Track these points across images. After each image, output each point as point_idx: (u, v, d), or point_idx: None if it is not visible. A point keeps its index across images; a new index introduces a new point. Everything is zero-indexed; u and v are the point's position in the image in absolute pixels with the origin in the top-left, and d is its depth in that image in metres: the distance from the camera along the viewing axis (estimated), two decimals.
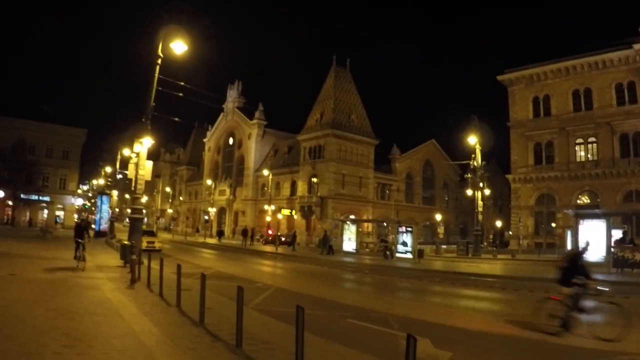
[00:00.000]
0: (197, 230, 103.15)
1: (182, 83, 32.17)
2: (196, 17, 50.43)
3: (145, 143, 23.95)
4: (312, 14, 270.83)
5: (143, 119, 24.01)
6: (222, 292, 15.41)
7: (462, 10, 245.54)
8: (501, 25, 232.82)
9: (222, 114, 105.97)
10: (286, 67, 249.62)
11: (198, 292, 11.39)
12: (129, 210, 38.81)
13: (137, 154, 25.37)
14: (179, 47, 21.72)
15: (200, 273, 12.36)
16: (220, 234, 79.61)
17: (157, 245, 39.64)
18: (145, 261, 18.63)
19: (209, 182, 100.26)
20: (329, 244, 48.15)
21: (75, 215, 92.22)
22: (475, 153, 49.44)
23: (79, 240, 22.40)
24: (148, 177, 25.48)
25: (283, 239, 63.49)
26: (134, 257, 18.57)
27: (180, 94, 32.58)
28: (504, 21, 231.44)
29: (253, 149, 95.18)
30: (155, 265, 16.84)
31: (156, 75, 23.37)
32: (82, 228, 23.78)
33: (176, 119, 48.04)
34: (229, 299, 13.29)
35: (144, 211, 32.19)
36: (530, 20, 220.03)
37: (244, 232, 64.18)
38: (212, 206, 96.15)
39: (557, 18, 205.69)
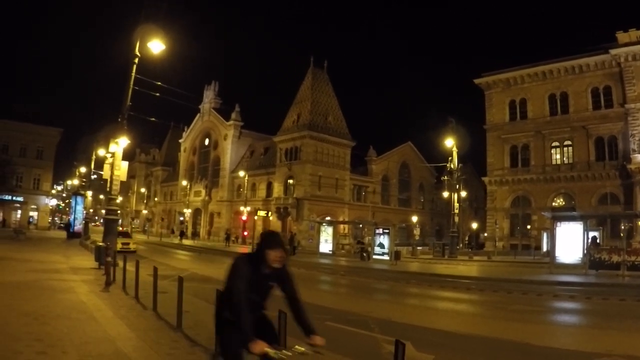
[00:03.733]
0: (173, 232, 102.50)
1: (159, 83, 31.93)
2: (173, 17, 50.09)
3: (121, 143, 23.69)
4: (289, 15, 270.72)
5: (119, 119, 23.73)
6: (199, 295, 15.16)
7: (440, 13, 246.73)
8: (479, 29, 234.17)
9: (198, 114, 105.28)
10: (263, 68, 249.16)
11: (174, 295, 11.11)
12: (103, 211, 38.37)
13: (113, 154, 25.10)
14: (156, 46, 21.48)
15: (177, 275, 12.16)
16: (182, 234, 79.00)
17: (132, 246, 39.25)
18: (121, 263, 18.32)
19: (184, 183, 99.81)
20: (293, 245, 48.28)
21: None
22: (451, 155, 49.69)
23: None
24: (123, 177, 25.23)
25: None
26: (109, 259, 18.23)
27: (157, 94, 32.41)
28: (482, 25, 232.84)
29: (229, 150, 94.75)
30: (130, 267, 16.56)
31: (133, 74, 23.13)
32: None
33: (152, 118, 47.69)
34: (206, 302, 13.11)
35: (119, 212, 31.82)
36: (508, 25, 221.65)
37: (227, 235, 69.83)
38: (187, 207, 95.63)
39: (535, 23, 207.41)
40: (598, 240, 33.73)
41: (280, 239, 5.22)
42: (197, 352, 8.57)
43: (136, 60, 22.93)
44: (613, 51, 57.17)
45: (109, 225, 23.83)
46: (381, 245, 42.69)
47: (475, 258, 48.47)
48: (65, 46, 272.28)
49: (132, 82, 23.33)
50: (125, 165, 25.64)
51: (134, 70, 23.18)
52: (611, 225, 48.27)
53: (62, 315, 11.41)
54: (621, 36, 57.11)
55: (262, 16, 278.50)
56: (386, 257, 41.34)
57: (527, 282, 25.60)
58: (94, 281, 18.59)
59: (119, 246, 30.89)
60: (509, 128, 67.32)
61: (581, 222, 29.86)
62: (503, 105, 68.29)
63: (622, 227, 42.14)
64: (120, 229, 47.86)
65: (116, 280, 17.64)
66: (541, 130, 63.65)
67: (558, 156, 63.46)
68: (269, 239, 5.15)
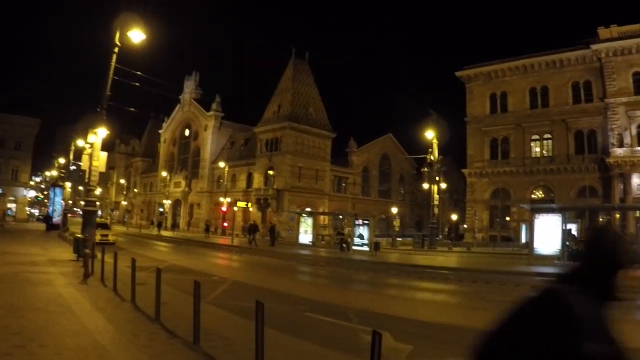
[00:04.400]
0: (152, 223, 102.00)
1: (139, 73, 31.72)
2: (154, 6, 49.78)
3: (100, 133, 23.51)
4: (271, 5, 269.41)
5: (98, 109, 23.52)
6: (178, 286, 15.07)
7: (424, 6, 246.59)
8: (462, 22, 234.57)
9: (178, 105, 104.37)
10: (245, 59, 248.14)
11: (153, 287, 11.03)
12: (82, 203, 38.04)
13: (91, 145, 24.90)
14: (136, 35, 21.32)
15: (156, 267, 12.10)
16: (159, 225, 78.58)
17: (111, 238, 38.91)
18: (99, 255, 18.20)
19: (164, 174, 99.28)
20: (273, 236, 48.39)
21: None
22: (432, 147, 49.83)
23: None
24: (102, 168, 25.06)
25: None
26: (87, 250, 18.09)
27: (137, 84, 32.16)
28: (465, 18, 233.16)
29: (209, 140, 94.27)
30: (109, 259, 16.48)
31: (112, 64, 22.96)
32: None
33: (132, 109, 47.19)
34: (185, 293, 13.02)
35: (98, 203, 31.61)
36: (491, 19, 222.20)
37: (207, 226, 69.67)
38: (167, 198, 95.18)
39: (518, 17, 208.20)
40: (574, 232, 34.16)
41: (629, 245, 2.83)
42: (175, 344, 8.56)
43: (116, 50, 22.75)
44: (594, 46, 57.76)
45: (88, 217, 23.69)
46: (361, 236, 42.82)
47: (455, 249, 48.86)
48: (47, 34, 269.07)
49: (111, 72, 23.15)
50: (104, 156, 25.45)
51: (113, 60, 22.99)
52: (590, 218, 48.76)
53: (40, 309, 11.31)
54: (602, 32, 57.77)
55: (244, 6, 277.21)
56: (366, 248, 41.45)
57: (506, 273, 25.76)
58: (72, 273, 18.45)
59: (97, 238, 30.70)
60: (490, 121, 67.65)
61: (559, 214, 30.12)
62: (484, 98, 68.60)
63: (600, 220, 42.54)
64: (100, 220, 47.47)
65: (94, 272, 17.54)
66: (521, 123, 64.09)
67: (538, 149, 64.03)
68: (618, 246, 2.70)
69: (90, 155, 24.59)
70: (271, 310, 12.88)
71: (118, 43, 22.37)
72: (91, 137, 24.82)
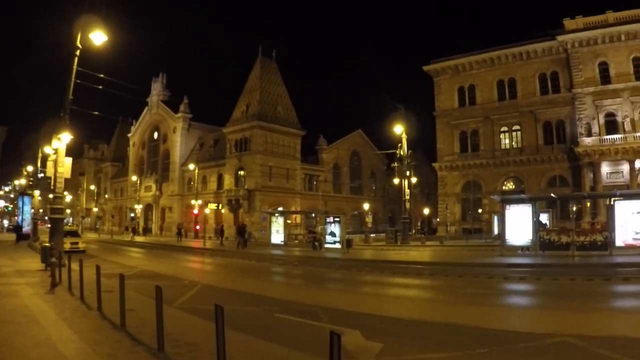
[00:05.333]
0: (127, 229, 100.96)
1: (102, 75, 31.21)
2: (117, 7, 49.26)
3: (64, 139, 23.13)
4: (237, 3, 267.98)
5: (61, 114, 23.17)
6: (147, 292, 14.78)
7: (391, 1, 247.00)
8: (428, 16, 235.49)
9: (146, 107, 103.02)
10: (212, 59, 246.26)
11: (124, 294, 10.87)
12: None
13: (56, 151, 24.51)
14: (98, 37, 20.98)
15: (126, 273, 11.89)
16: (134, 230, 77.88)
17: (81, 245, 38.43)
18: (67, 263, 17.90)
19: (134, 178, 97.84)
20: (244, 237, 48.06)
21: None
22: (401, 142, 49.95)
23: None
24: (67, 174, 24.62)
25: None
26: (54, 259, 17.78)
27: (100, 87, 31.61)
28: (431, 12, 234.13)
29: (178, 142, 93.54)
30: (77, 267, 16.20)
31: (74, 67, 22.60)
32: None
33: (96, 112, 46.17)
34: (153, 299, 12.83)
35: (68, 211, 31.17)
36: (458, 12, 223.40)
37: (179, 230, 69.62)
38: (138, 203, 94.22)
39: (484, 10, 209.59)
40: (545, 222, 34.51)
41: None
42: (139, 352, 8.38)
43: (77, 53, 22.38)
44: (560, 37, 58.97)
45: (55, 225, 23.28)
46: (332, 234, 42.62)
47: (428, 243, 48.92)
48: (10, 37, 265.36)
49: (73, 76, 22.76)
50: (68, 162, 24.99)
51: (75, 63, 22.62)
52: (561, 207, 49.46)
53: (3, 321, 11.08)
54: (568, 23, 58.98)
55: (211, 5, 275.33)
56: (338, 246, 41.34)
57: (479, 265, 25.88)
58: (39, 283, 18.12)
59: (67, 246, 30.31)
60: (458, 114, 68.28)
61: (530, 205, 30.26)
62: (452, 92, 69.25)
63: (572, 209, 43.06)
64: (69, 227, 46.82)
65: (62, 281, 17.24)
66: (490, 116, 64.87)
67: (507, 141, 64.96)
68: None
69: (55, 162, 24.21)
70: (240, 312, 12.86)
71: (79, 45, 22.00)
72: (55, 143, 24.41)
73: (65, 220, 35.06)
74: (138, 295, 13.80)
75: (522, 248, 30.62)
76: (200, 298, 15.89)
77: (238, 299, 15.51)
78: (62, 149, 23.43)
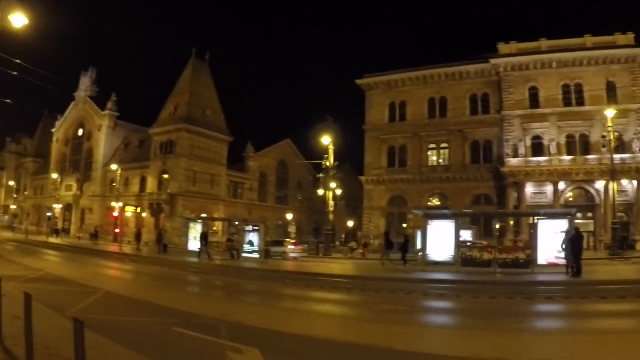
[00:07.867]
0: (52, 231, 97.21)
1: (18, 61, 29.34)
2: None
3: None
4: (172, 3, 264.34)
5: None
6: (44, 298, 13.40)
7: (328, 15, 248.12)
8: (365, 31, 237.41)
9: (73, 102, 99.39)
10: (145, 57, 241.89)
11: (14, 299, 9.61)
12: None
13: None
14: (18, 19, 19.45)
15: (29, 277, 10.60)
16: (56, 231, 75.15)
17: None
18: None
19: (55, 176, 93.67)
20: (163, 243, 46.47)
21: None
22: (328, 153, 49.66)
23: None
24: None
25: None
26: None
27: (15, 73, 29.73)
28: (369, 28, 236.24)
29: (103, 141, 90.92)
30: None
31: None
32: None
33: (8, 100, 43.32)
34: (47, 307, 11.52)
35: None
36: (395, 29, 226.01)
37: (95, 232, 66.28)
38: (57, 202, 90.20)
39: (421, 29, 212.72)
40: (470, 238, 34.43)
41: None
42: None
43: None
44: (493, 61, 60.71)
45: None
46: (251, 243, 41.48)
47: (350, 256, 48.50)
48: None
49: None
50: None
51: None
52: (485, 224, 49.88)
53: None
54: (502, 47, 60.72)
55: (149, 2, 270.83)
56: (256, 256, 40.26)
57: (396, 280, 25.13)
58: None
59: None
60: (388, 129, 68.52)
61: (453, 220, 29.95)
62: (383, 107, 69.50)
63: (495, 226, 43.40)
64: None
65: None
66: (419, 133, 65.37)
67: (435, 158, 65.84)
68: None
69: None
70: (135, 324, 11.59)
71: None
72: None
73: None
74: (33, 302, 12.43)
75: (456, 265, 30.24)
76: (99, 306, 14.53)
77: (139, 309, 14.51)
78: None
